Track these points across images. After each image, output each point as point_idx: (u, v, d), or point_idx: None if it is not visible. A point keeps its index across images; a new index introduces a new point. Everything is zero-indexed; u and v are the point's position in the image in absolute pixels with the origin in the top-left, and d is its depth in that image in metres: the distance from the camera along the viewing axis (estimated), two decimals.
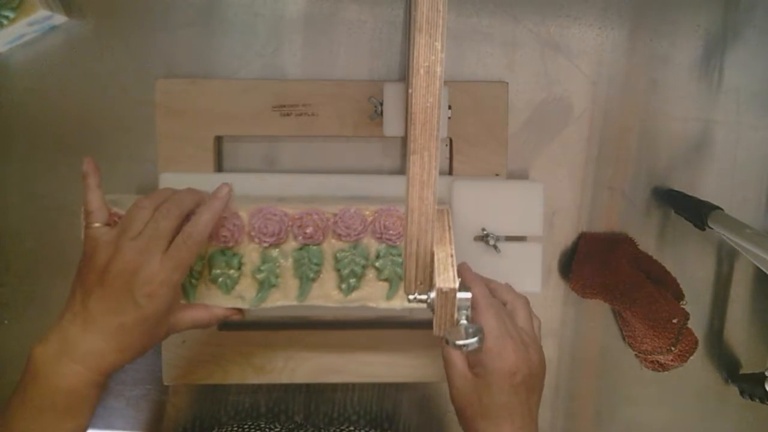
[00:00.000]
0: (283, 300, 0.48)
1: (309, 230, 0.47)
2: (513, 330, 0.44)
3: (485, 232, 0.53)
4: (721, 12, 0.59)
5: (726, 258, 0.61)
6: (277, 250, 0.48)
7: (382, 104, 0.53)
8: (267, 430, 0.56)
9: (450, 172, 0.57)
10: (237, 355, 0.57)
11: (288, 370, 0.57)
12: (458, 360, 0.45)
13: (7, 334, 0.58)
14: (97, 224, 0.44)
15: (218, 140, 0.57)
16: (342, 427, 0.59)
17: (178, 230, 0.44)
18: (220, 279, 0.47)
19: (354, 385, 0.61)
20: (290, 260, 0.48)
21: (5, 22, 0.52)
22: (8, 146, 0.57)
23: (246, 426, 0.56)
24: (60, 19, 0.55)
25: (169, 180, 0.55)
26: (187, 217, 0.45)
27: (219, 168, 0.58)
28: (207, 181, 0.54)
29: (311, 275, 0.48)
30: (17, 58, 0.56)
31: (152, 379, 0.59)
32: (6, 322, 0.58)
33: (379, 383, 0.60)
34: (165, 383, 0.57)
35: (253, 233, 0.47)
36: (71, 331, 0.41)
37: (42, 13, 0.52)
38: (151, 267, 0.41)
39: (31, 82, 0.56)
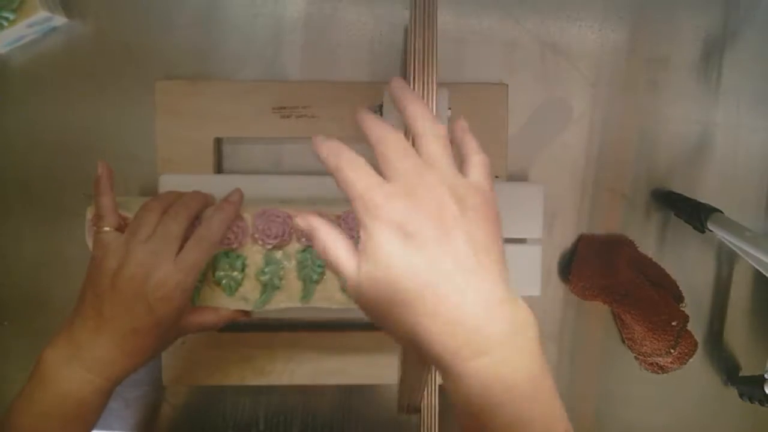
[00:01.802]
0: (286, 302, 0.48)
1: None
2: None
3: None
4: (721, 13, 0.59)
5: (725, 260, 0.61)
6: (280, 252, 0.48)
7: (381, 107, 0.53)
8: None
9: None
10: (237, 357, 0.57)
11: (288, 371, 0.57)
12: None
13: (7, 336, 0.58)
14: (107, 228, 0.44)
15: (218, 141, 0.57)
16: None
17: (186, 233, 0.44)
18: (224, 281, 0.47)
19: (352, 387, 0.61)
20: (294, 262, 0.48)
21: (5, 23, 0.52)
22: (7, 147, 0.57)
23: None
24: (60, 20, 0.55)
25: (169, 181, 0.55)
26: (195, 219, 0.45)
27: (219, 169, 0.58)
28: (207, 182, 0.54)
29: (315, 277, 0.48)
30: (17, 59, 0.56)
31: (151, 381, 0.59)
32: (6, 323, 0.58)
33: (380, 384, 0.60)
34: (164, 385, 0.57)
35: (256, 235, 0.47)
36: (82, 336, 0.41)
37: (42, 14, 0.52)
38: (163, 270, 0.41)
39: (31, 83, 0.56)
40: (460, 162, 0.35)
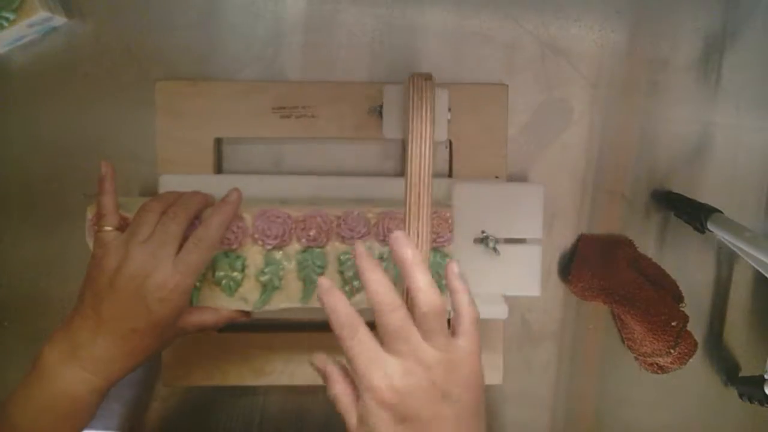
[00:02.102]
0: (286, 302, 0.48)
1: (312, 233, 0.47)
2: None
3: (485, 235, 0.53)
4: (721, 14, 0.59)
5: (725, 261, 0.61)
6: (280, 252, 0.48)
7: (381, 107, 0.53)
8: None
9: (450, 175, 0.57)
10: (236, 357, 0.57)
11: (287, 372, 0.57)
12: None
13: (8, 337, 0.58)
14: (108, 228, 0.44)
15: (218, 142, 0.57)
16: None
17: (186, 233, 0.44)
18: (224, 281, 0.47)
19: None
20: (294, 263, 0.48)
21: (5, 23, 0.52)
22: (7, 147, 0.57)
23: None
24: (60, 20, 0.55)
25: (169, 181, 0.55)
26: (194, 219, 0.45)
27: (218, 170, 0.58)
28: (207, 182, 0.54)
29: (314, 277, 0.48)
30: (17, 59, 0.56)
31: (150, 381, 0.59)
32: (6, 324, 0.58)
33: None
34: (164, 385, 0.57)
35: (256, 235, 0.47)
36: (81, 336, 0.41)
37: (42, 14, 0.52)
38: (162, 271, 0.41)
39: (30, 83, 0.56)
40: (452, 311, 0.40)
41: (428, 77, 0.42)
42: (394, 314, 0.36)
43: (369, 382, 0.35)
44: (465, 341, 0.38)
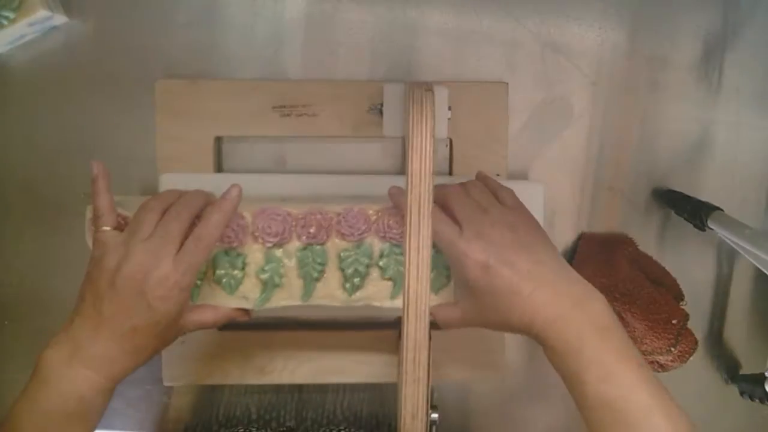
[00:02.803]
0: (287, 300, 0.48)
1: (312, 230, 0.47)
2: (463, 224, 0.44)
3: None
4: (721, 12, 0.59)
5: (726, 259, 0.61)
6: (280, 250, 0.48)
7: (381, 106, 0.53)
8: None
9: (450, 173, 0.57)
10: (237, 356, 0.57)
11: (288, 370, 0.57)
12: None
13: (8, 336, 0.58)
14: (106, 228, 0.44)
15: (218, 140, 0.57)
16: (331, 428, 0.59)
17: (187, 232, 0.44)
18: (224, 279, 0.47)
19: (346, 387, 0.61)
20: (294, 260, 0.48)
21: (5, 22, 0.52)
22: (7, 147, 0.57)
23: None
24: (60, 19, 0.55)
25: (169, 180, 0.55)
26: (195, 219, 0.45)
27: (219, 168, 0.58)
28: (207, 181, 0.54)
29: (315, 275, 0.48)
30: (17, 58, 0.56)
31: (152, 380, 0.59)
32: (6, 323, 0.58)
33: (374, 384, 0.60)
34: (165, 384, 0.57)
35: (256, 233, 0.47)
36: (82, 336, 0.41)
37: (42, 13, 0.52)
38: (163, 269, 0.41)
39: (31, 82, 0.56)
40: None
41: (428, 88, 0.42)
42: (466, 206, 0.45)
43: (457, 248, 0.42)
44: (510, 201, 0.46)
